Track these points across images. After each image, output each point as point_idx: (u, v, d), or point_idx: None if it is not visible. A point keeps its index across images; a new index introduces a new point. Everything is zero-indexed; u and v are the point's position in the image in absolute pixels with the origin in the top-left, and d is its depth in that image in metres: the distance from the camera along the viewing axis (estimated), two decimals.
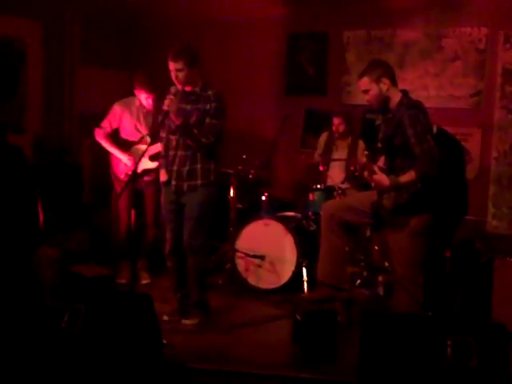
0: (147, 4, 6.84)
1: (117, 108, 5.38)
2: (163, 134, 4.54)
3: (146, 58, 7.12)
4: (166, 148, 4.51)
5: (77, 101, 6.98)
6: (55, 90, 6.78)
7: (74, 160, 6.65)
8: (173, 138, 4.44)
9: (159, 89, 5.18)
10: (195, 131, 4.27)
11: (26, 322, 2.11)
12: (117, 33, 7.20)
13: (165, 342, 3.70)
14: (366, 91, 3.98)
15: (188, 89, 4.37)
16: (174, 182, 4.45)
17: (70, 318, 3.31)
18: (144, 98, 5.31)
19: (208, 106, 4.32)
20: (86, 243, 5.85)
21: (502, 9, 5.85)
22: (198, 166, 4.38)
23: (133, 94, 5.40)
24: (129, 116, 5.37)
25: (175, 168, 4.42)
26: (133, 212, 4.35)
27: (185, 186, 4.41)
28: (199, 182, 4.39)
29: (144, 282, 5.46)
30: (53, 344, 3.04)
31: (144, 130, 5.37)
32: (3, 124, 2.18)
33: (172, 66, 4.28)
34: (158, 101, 5.14)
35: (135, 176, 4.34)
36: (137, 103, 5.38)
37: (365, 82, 3.97)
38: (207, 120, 4.31)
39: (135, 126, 5.38)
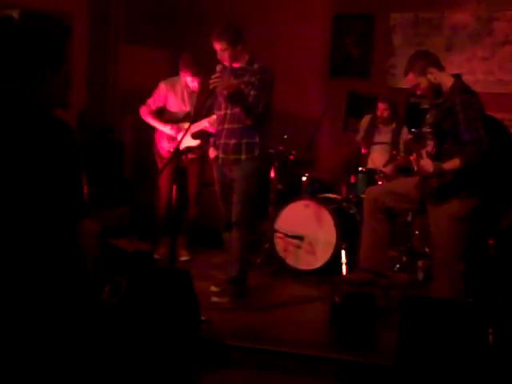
0: None
1: (162, 87, 5.42)
2: (216, 111, 4.63)
3: (189, 36, 7.11)
4: (218, 124, 4.61)
5: (120, 78, 7.02)
6: (99, 67, 6.82)
7: (116, 136, 6.70)
8: (221, 113, 4.52)
9: (204, 68, 5.19)
10: (247, 100, 4.30)
11: (69, 294, 2.13)
12: (160, 11, 7.19)
13: (203, 318, 3.73)
14: (415, 86, 3.92)
15: (235, 65, 4.43)
16: (221, 155, 4.52)
17: (110, 290, 3.37)
18: (190, 81, 5.34)
19: (253, 79, 4.36)
20: (127, 218, 5.91)
21: None
22: (244, 140, 4.42)
23: (178, 74, 5.41)
24: (173, 95, 5.41)
25: (222, 141, 4.50)
26: (174, 188, 4.37)
27: (230, 158, 4.47)
28: (243, 156, 4.43)
29: (183, 258, 5.49)
30: (93, 314, 3.09)
31: (188, 109, 5.39)
32: (51, 98, 2.19)
33: (216, 45, 4.36)
34: (204, 82, 5.19)
35: (178, 152, 4.38)
36: (182, 82, 5.41)
37: (411, 79, 3.91)
38: (252, 92, 4.33)
39: (180, 105, 5.41)
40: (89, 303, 2.30)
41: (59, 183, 2.05)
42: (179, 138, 5.06)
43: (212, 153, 4.64)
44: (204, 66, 5.20)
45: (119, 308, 3.35)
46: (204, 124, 5.07)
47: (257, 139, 4.45)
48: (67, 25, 6.44)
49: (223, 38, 4.32)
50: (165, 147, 5.39)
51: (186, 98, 5.40)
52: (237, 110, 4.35)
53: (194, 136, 5.24)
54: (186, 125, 5.18)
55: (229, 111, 4.44)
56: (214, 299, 4.46)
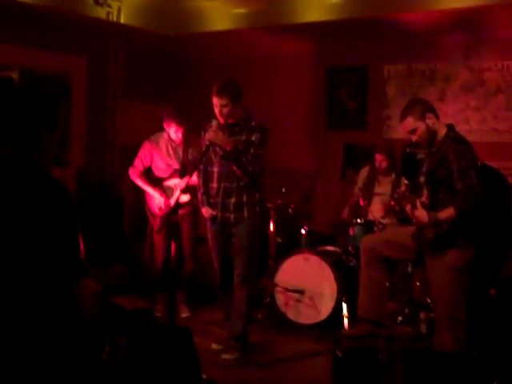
0: (187, 42, 6.96)
1: (147, 145, 5.41)
2: (201, 167, 4.57)
3: (184, 93, 7.24)
4: (205, 181, 4.56)
5: (118, 134, 7.10)
6: (98, 124, 6.92)
7: (115, 193, 6.73)
8: (214, 170, 4.48)
9: (192, 123, 5.22)
10: (244, 158, 4.31)
11: (69, 354, 2.11)
12: (157, 69, 7.34)
13: (204, 376, 3.68)
14: (412, 131, 3.87)
15: (230, 121, 4.41)
16: (219, 214, 4.48)
17: (110, 350, 3.33)
18: (173, 132, 5.30)
19: (253, 137, 4.37)
20: (126, 275, 5.89)
21: None
22: (244, 198, 4.42)
23: (161, 130, 5.41)
24: (159, 152, 5.38)
25: (220, 199, 4.46)
26: (173, 245, 4.37)
27: (231, 217, 4.45)
28: (246, 214, 4.43)
29: (184, 315, 5.44)
30: (93, 376, 3.05)
31: (174, 164, 5.37)
32: (46, 157, 2.21)
33: (217, 101, 4.32)
34: (188, 134, 5.23)
35: (173, 211, 4.36)
36: (165, 137, 5.38)
37: (409, 123, 3.86)
38: (252, 150, 4.35)
39: (166, 161, 5.38)
40: (88, 363, 2.28)
41: (56, 245, 2.05)
42: (172, 200, 5.12)
43: (206, 212, 4.56)
44: (193, 119, 5.23)
45: (119, 367, 3.31)
46: (193, 178, 5.06)
47: (256, 195, 4.47)
48: (66, 84, 6.55)
49: (225, 94, 4.29)
50: (155, 204, 5.39)
51: (171, 152, 5.37)
52: (233, 168, 4.35)
53: (183, 191, 5.23)
54: (173, 180, 5.23)
55: (225, 169, 4.41)
56: (225, 356, 4.44)
